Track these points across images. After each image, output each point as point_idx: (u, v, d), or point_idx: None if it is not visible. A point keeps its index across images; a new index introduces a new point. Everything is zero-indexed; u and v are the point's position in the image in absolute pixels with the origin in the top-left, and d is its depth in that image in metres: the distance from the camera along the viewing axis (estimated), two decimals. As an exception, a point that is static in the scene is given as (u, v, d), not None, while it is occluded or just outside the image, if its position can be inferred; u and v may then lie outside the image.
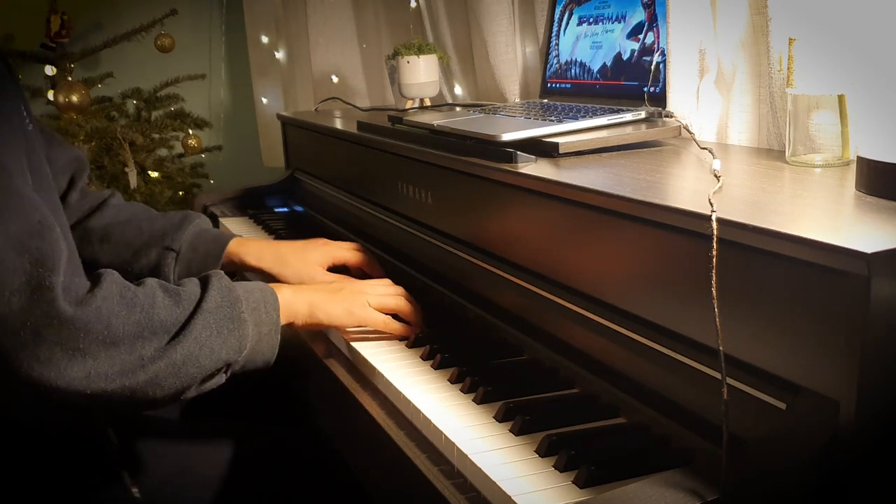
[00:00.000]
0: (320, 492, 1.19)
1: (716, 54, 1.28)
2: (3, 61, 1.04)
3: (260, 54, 3.18)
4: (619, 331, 0.91)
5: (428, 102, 1.93)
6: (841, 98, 1.00)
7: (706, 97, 1.30)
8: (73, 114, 2.87)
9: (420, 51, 1.86)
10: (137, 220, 1.38)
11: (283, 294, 1.10)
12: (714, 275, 0.73)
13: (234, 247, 1.36)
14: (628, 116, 1.23)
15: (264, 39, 3.16)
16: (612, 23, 1.38)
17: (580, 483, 0.75)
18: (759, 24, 1.20)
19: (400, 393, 0.99)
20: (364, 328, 1.18)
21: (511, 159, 1.10)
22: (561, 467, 0.78)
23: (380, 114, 1.85)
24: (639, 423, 0.87)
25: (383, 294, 1.19)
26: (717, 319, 0.71)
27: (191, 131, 3.03)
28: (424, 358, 1.08)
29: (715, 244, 0.74)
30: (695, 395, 0.81)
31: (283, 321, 1.08)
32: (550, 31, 1.55)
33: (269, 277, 1.34)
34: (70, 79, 2.97)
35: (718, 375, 0.70)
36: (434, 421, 0.90)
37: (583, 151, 1.16)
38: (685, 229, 0.80)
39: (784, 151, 1.06)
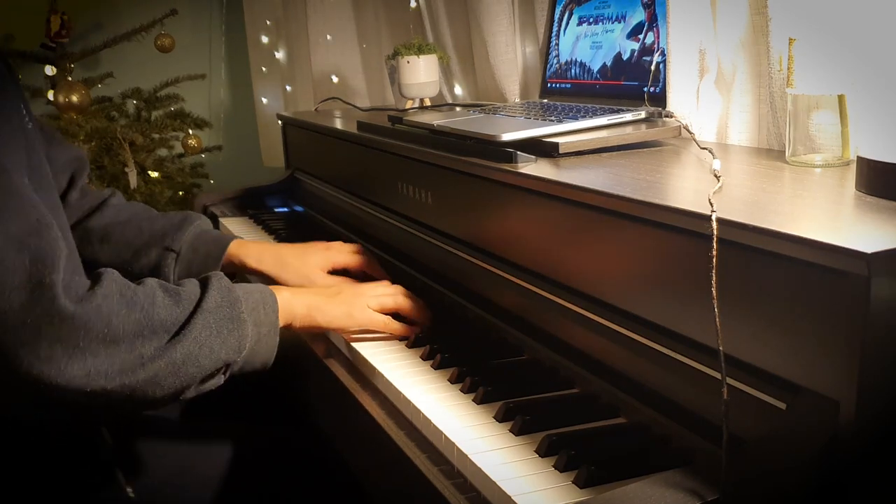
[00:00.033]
0: (320, 492, 1.19)
1: (716, 54, 1.28)
2: (3, 61, 1.04)
3: (260, 54, 3.18)
4: (619, 331, 0.91)
5: (428, 102, 1.93)
6: (841, 98, 1.00)
7: (706, 97, 1.30)
8: (73, 114, 2.87)
9: (420, 51, 1.86)
10: (138, 219, 1.38)
11: (282, 296, 1.10)
12: (714, 275, 0.73)
13: (234, 248, 1.36)
14: (628, 116, 1.23)
15: (264, 39, 3.16)
16: (612, 23, 1.38)
17: (580, 483, 0.75)
18: (759, 24, 1.20)
19: (400, 393, 0.99)
20: (364, 329, 1.18)
21: (511, 159, 1.10)
22: (561, 467, 0.78)
23: (380, 114, 1.85)
24: (639, 423, 0.87)
25: (382, 294, 1.19)
26: (717, 319, 0.71)
27: (191, 131, 3.03)
28: (424, 358, 1.08)
29: (715, 244, 0.74)
30: (695, 395, 0.81)
31: (281, 322, 1.08)
32: (550, 31, 1.55)
33: (269, 280, 1.34)
34: (70, 79, 2.97)
35: (718, 375, 0.70)
36: (434, 421, 0.90)
37: (583, 151, 1.16)
38: (685, 229, 0.80)
39: (784, 151, 1.06)
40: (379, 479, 1.03)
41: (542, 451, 0.81)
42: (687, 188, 0.97)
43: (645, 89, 1.30)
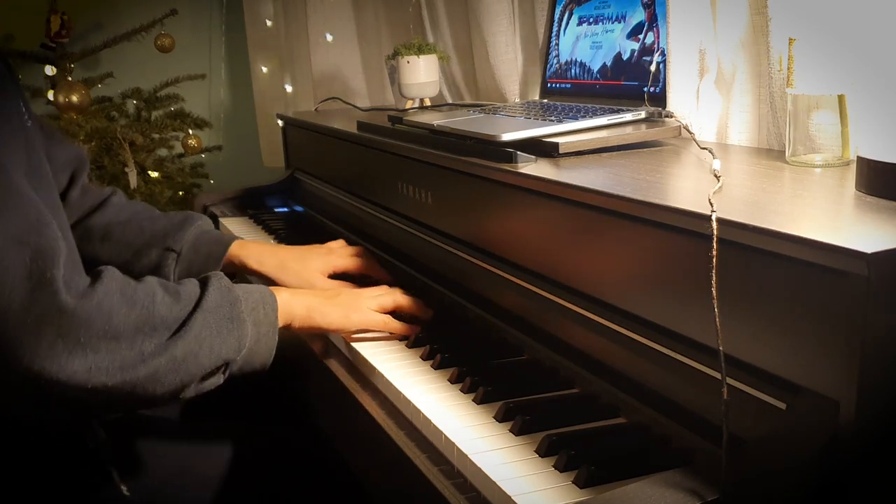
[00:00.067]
0: (320, 492, 1.19)
1: (716, 54, 1.28)
2: (3, 61, 1.05)
3: (260, 54, 3.18)
4: (619, 331, 0.91)
5: (428, 102, 1.93)
6: (841, 98, 1.00)
7: (706, 97, 1.30)
8: (73, 114, 2.87)
9: (420, 51, 1.86)
10: (138, 219, 1.38)
11: (282, 296, 1.10)
12: (714, 275, 0.73)
13: (235, 249, 1.36)
14: (628, 116, 1.23)
15: (264, 39, 3.16)
16: (612, 23, 1.38)
17: (580, 483, 0.75)
18: (759, 24, 1.20)
19: (400, 393, 0.99)
20: (363, 329, 1.18)
21: (511, 159, 1.10)
22: (561, 467, 0.78)
23: (380, 114, 1.85)
24: (639, 423, 0.87)
25: (380, 295, 1.19)
26: (717, 319, 0.71)
27: (191, 131, 3.03)
28: (424, 358, 1.08)
29: (715, 244, 0.74)
30: (695, 395, 0.81)
31: (280, 323, 1.08)
32: (550, 31, 1.55)
33: (269, 281, 1.34)
34: (70, 79, 2.97)
35: (718, 375, 0.70)
36: (434, 421, 0.90)
37: (583, 151, 1.16)
38: (685, 229, 0.80)
39: (784, 151, 1.06)
40: (379, 479, 1.03)
41: (542, 451, 0.81)
42: (687, 188, 0.97)
43: (645, 89, 1.30)
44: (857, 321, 0.64)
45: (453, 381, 1.01)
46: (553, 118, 1.24)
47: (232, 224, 1.90)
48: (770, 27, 1.13)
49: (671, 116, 1.24)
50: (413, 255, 1.40)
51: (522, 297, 1.09)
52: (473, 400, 0.95)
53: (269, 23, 3.13)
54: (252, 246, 1.38)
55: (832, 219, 0.78)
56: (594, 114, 1.24)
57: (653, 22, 1.30)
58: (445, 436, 0.87)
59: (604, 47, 1.40)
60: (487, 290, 1.18)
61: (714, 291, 0.73)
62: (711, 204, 0.77)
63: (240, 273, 1.39)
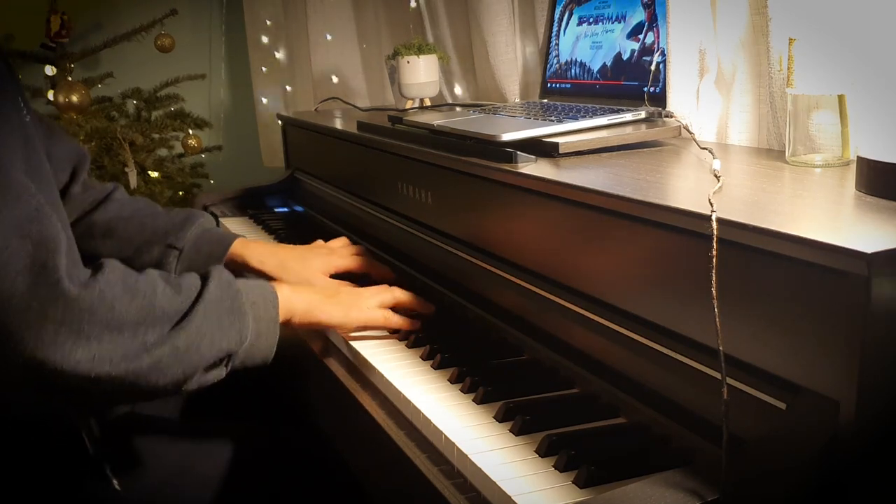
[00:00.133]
0: (320, 492, 1.19)
1: (716, 54, 1.28)
2: (3, 61, 1.05)
3: (260, 54, 3.18)
4: (619, 331, 0.91)
5: (428, 102, 1.93)
6: (841, 98, 1.00)
7: (706, 97, 1.30)
8: (73, 114, 2.87)
9: (420, 51, 1.86)
10: (140, 215, 1.38)
11: (282, 291, 1.10)
12: (714, 275, 0.73)
13: (237, 248, 1.36)
14: (628, 116, 1.23)
15: (264, 39, 3.16)
16: (612, 23, 1.38)
17: (580, 483, 0.75)
18: (759, 24, 1.20)
19: (400, 393, 0.99)
20: (364, 327, 1.18)
21: (511, 159, 1.10)
22: (561, 467, 0.78)
23: (380, 114, 1.85)
24: (639, 423, 0.87)
25: (380, 292, 1.19)
26: (717, 319, 0.71)
27: (191, 131, 3.03)
28: (424, 358, 1.08)
29: (715, 244, 0.74)
30: (695, 395, 0.81)
31: (281, 318, 1.08)
32: (550, 31, 1.55)
33: (270, 280, 1.33)
34: (70, 79, 2.97)
35: (718, 375, 0.70)
36: (434, 421, 0.90)
37: (583, 151, 1.16)
38: (685, 229, 0.80)
39: (784, 151, 1.06)
40: (379, 479, 1.03)
41: (542, 451, 0.81)
42: (687, 188, 0.97)
43: (645, 89, 1.30)
44: (857, 321, 0.64)
45: (453, 381, 1.01)
46: (553, 118, 1.24)
47: (232, 224, 1.90)
48: (770, 27, 1.13)
49: (671, 116, 1.24)
50: (413, 255, 1.40)
51: (522, 297, 1.09)
52: (473, 400, 0.95)
53: (269, 23, 3.13)
54: (254, 245, 1.38)
55: (832, 219, 0.78)
56: (594, 114, 1.24)
57: (653, 22, 1.30)
58: (445, 436, 0.87)
59: (604, 47, 1.40)
60: (487, 290, 1.18)
61: (714, 291, 0.73)
62: (711, 204, 0.77)
63: (241, 272, 1.39)
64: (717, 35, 1.27)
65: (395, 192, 1.45)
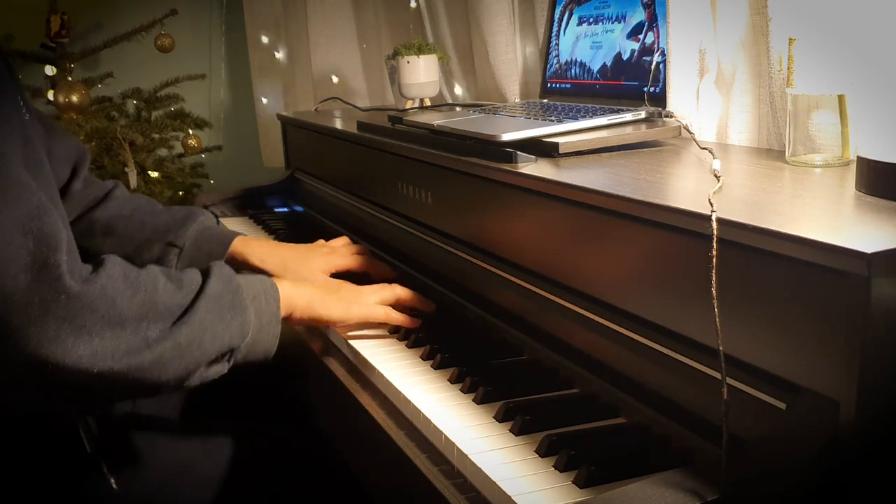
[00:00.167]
0: (320, 492, 1.19)
1: (716, 54, 1.28)
2: (2, 60, 1.05)
3: (260, 54, 3.18)
4: (619, 331, 0.91)
5: (428, 102, 1.93)
6: (841, 98, 1.00)
7: (706, 97, 1.30)
8: (73, 114, 2.87)
9: (420, 51, 1.86)
10: (141, 213, 1.38)
11: (283, 286, 1.11)
12: (714, 275, 0.73)
13: (238, 246, 1.37)
14: (628, 116, 1.23)
15: (264, 39, 3.16)
16: (612, 23, 1.38)
17: (580, 483, 0.75)
18: (759, 24, 1.20)
19: (400, 393, 0.99)
20: (365, 326, 1.18)
21: (511, 159, 1.10)
22: (561, 467, 0.78)
23: (380, 114, 1.85)
24: (639, 423, 0.87)
25: (380, 289, 1.19)
26: (717, 319, 0.71)
27: (191, 131, 3.03)
28: (424, 358, 1.08)
29: (715, 244, 0.74)
30: (695, 395, 0.81)
31: (282, 313, 1.08)
32: (550, 31, 1.55)
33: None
34: (70, 79, 2.97)
35: (718, 375, 0.70)
36: (434, 421, 0.90)
37: (583, 151, 1.16)
38: (685, 229, 0.80)
39: (784, 151, 1.06)
40: (379, 479, 1.03)
41: (542, 451, 0.81)
42: (687, 188, 0.97)
43: (645, 89, 1.30)
44: (857, 321, 0.64)
45: (453, 381, 1.01)
46: (553, 118, 1.24)
47: (232, 224, 1.90)
48: (770, 27, 1.13)
49: (671, 116, 1.24)
50: (413, 255, 1.40)
51: (522, 297, 1.09)
52: (473, 400, 0.95)
53: (269, 23, 3.13)
54: (254, 243, 1.38)
55: (832, 219, 0.78)
56: (594, 114, 1.24)
57: (653, 22, 1.30)
58: (445, 436, 0.87)
59: (604, 47, 1.40)
60: (487, 290, 1.18)
61: (714, 291, 0.73)
62: (711, 204, 0.77)
63: (241, 270, 1.39)
64: (717, 35, 1.27)
65: (395, 192, 1.45)
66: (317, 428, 1.26)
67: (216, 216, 1.96)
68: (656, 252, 0.86)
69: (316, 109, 2.32)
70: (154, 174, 2.99)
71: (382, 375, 1.04)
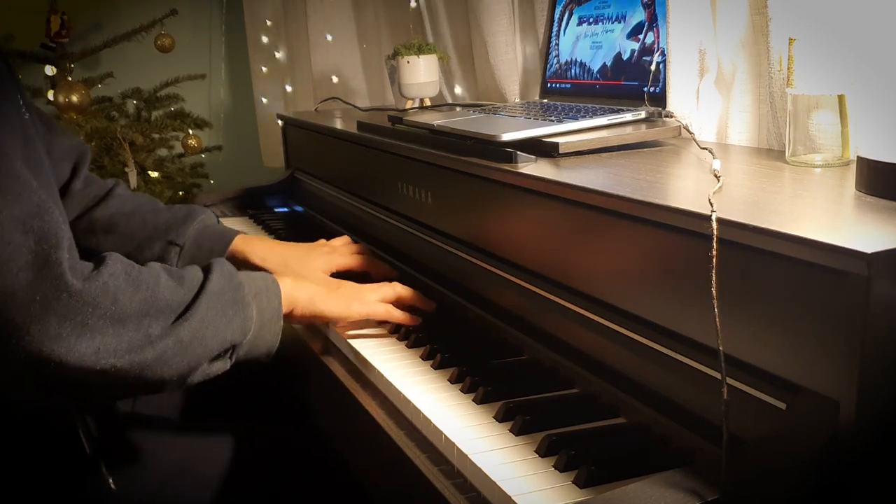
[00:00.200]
0: (320, 492, 1.19)
1: (716, 54, 1.28)
2: (3, 60, 1.05)
3: (260, 54, 3.18)
4: (619, 331, 0.91)
5: (428, 102, 1.93)
6: (841, 98, 1.00)
7: (706, 97, 1.30)
8: (73, 114, 2.87)
9: (420, 51, 1.86)
10: (142, 212, 1.38)
11: (284, 283, 1.11)
12: (714, 275, 0.73)
13: (238, 244, 1.37)
14: (628, 116, 1.23)
15: (264, 39, 3.16)
16: (612, 23, 1.38)
17: (580, 483, 0.75)
18: (759, 24, 1.20)
19: (400, 393, 0.99)
20: (365, 325, 1.18)
21: (511, 159, 1.10)
22: (561, 467, 0.78)
23: (380, 114, 1.85)
24: (639, 423, 0.87)
25: (381, 287, 1.20)
26: (717, 319, 0.71)
27: (191, 131, 3.03)
28: (424, 358, 1.08)
29: (715, 244, 0.74)
30: (695, 395, 0.81)
31: (283, 310, 1.08)
32: (550, 31, 1.55)
33: (271, 277, 1.34)
34: (70, 79, 2.97)
35: (718, 375, 0.70)
36: (434, 421, 0.90)
37: (583, 151, 1.16)
38: (685, 229, 0.80)
39: (784, 151, 1.06)
40: (379, 479, 1.03)
41: (542, 451, 0.81)
42: (687, 188, 0.97)
43: (645, 89, 1.30)
44: (857, 321, 0.64)
45: (453, 381, 1.01)
46: (553, 118, 1.24)
47: (232, 224, 1.90)
48: (770, 27, 1.13)
49: (671, 116, 1.24)
50: (413, 255, 1.40)
51: (522, 297, 1.09)
52: (473, 400, 0.95)
53: (269, 23, 3.13)
54: (255, 241, 1.39)
55: (832, 219, 0.78)
56: (594, 114, 1.24)
57: (653, 22, 1.30)
58: (445, 436, 0.87)
59: (604, 47, 1.40)
60: (487, 290, 1.18)
61: (714, 291, 0.73)
62: (711, 204, 0.77)
63: (242, 268, 1.39)
64: (717, 35, 1.27)
65: (395, 192, 1.45)
66: (317, 428, 1.26)
67: (216, 216, 1.96)
68: (656, 252, 0.86)
69: (316, 109, 2.32)
70: (154, 174, 2.99)
71: (382, 375, 1.04)
